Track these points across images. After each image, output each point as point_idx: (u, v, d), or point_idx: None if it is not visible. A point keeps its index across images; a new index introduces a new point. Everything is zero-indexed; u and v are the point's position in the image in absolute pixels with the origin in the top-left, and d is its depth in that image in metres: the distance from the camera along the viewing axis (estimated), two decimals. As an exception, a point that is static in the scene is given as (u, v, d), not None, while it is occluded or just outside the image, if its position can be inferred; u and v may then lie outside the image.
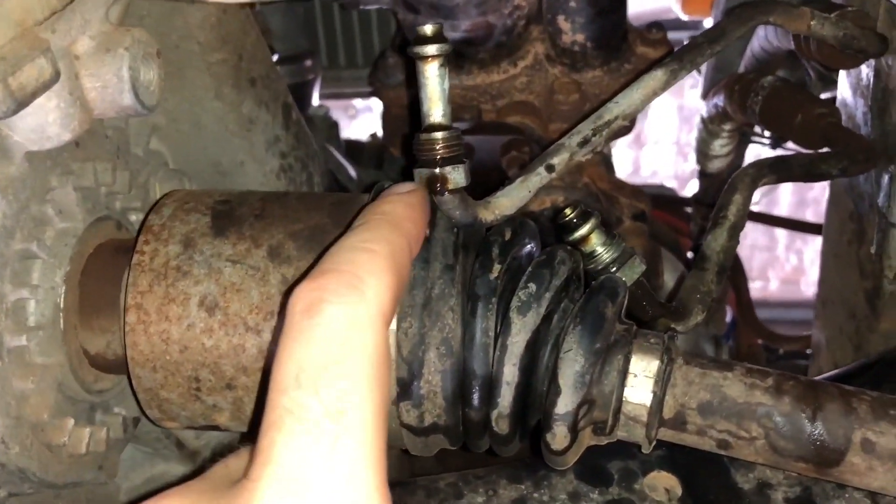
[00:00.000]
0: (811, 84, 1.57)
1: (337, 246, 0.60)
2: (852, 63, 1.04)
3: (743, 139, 1.67)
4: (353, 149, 1.82)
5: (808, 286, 4.67)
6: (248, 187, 1.06)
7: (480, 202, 0.77)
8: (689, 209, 2.00)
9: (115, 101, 0.75)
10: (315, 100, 1.92)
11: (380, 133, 1.78)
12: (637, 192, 1.46)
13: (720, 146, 1.59)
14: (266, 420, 0.52)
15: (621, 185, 1.45)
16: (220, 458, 0.67)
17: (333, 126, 1.72)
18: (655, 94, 0.84)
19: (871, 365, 1.00)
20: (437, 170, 0.72)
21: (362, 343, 0.53)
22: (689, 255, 1.99)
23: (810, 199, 4.82)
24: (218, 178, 1.04)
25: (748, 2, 0.88)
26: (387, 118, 1.51)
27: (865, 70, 1.09)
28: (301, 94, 1.86)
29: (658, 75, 0.84)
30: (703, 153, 1.63)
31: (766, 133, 1.76)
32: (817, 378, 0.99)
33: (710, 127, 1.54)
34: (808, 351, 1.89)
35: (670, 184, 4.30)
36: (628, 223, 1.43)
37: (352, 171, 1.54)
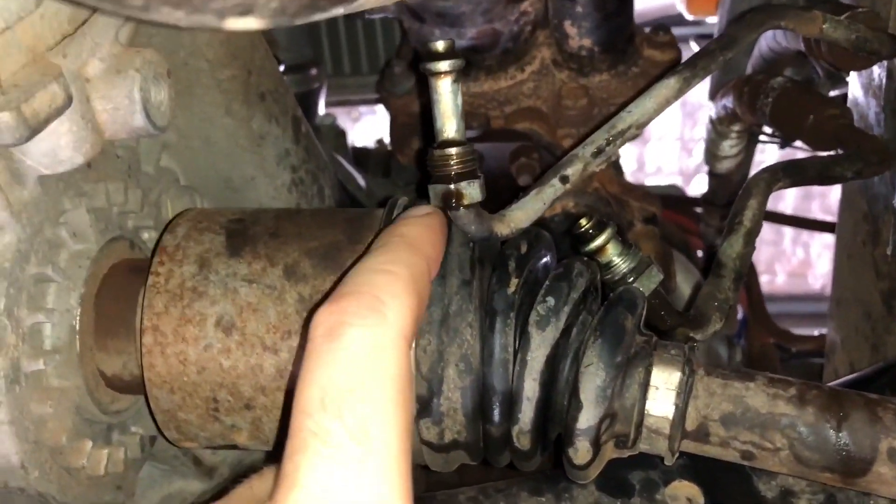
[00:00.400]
0: (820, 83, 1.56)
1: (356, 268, 0.59)
2: (864, 64, 1.04)
3: (751, 139, 1.66)
4: (360, 156, 1.82)
5: (816, 279, 4.65)
6: (260, 202, 1.05)
7: (495, 216, 0.76)
8: (697, 209, 2.00)
9: (127, 123, 0.75)
10: (321, 108, 1.91)
11: (386, 139, 1.78)
12: (647, 195, 1.45)
13: (729, 147, 1.58)
14: (290, 444, 0.52)
15: (631, 188, 1.45)
16: (242, 478, 0.67)
17: (341, 135, 1.71)
18: (668, 102, 0.83)
19: (889, 368, 0.99)
20: (452, 185, 0.71)
21: (385, 365, 0.53)
22: (699, 253, 1.99)
23: (816, 192, 4.80)
24: (229, 193, 1.04)
25: (759, 7, 0.87)
26: (394, 127, 1.50)
27: (877, 70, 1.08)
28: (307, 103, 1.86)
29: (671, 83, 0.83)
30: (712, 154, 1.62)
31: (775, 132, 1.75)
32: (836, 383, 0.98)
33: (718, 128, 1.53)
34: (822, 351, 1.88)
35: (675, 180, 4.29)
36: (639, 227, 1.43)
37: (361, 181, 1.54)
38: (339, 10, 0.44)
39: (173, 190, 0.95)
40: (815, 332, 2.44)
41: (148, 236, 0.92)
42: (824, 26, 0.90)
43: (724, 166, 1.65)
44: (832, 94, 1.57)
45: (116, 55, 0.74)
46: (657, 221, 1.43)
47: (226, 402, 0.75)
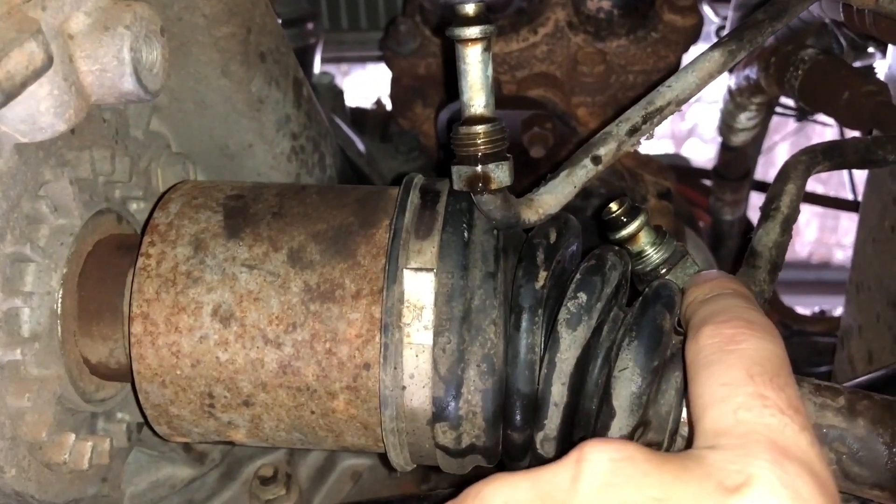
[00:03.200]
0: (844, 53, 1.49)
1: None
2: (911, 39, 0.97)
3: (769, 111, 1.59)
4: (358, 117, 1.73)
5: (803, 246, 4.62)
6: (257, 171, 0.98)
7: (523, 200, 0.69)
8: (706, 181, 1.93)
9: (115, 86, 0.67)
10: (317, 65, 1.82)
11: (383, 99, 1.69)
12: (662, 168, 1.38)
13: (747, 119, 1.51)
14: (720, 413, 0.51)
15: (646, 162, 1.38)
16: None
17: (339, 95, 1.62)
18: (712, 76, 0.76)
19: (921, 364, 0.94)
20: (479, 167, 0.64)
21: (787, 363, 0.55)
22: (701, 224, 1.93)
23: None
24: (225, 161, 0.96)
25: (813, -26, 0.80)
26: (396, 89, 1.42)
27: (921, 45, 1.01)
28: (303, 59, 1.76)
29: (715, 56, 0.76)
30: (728, 126, 1.55)
31: (791, 103, 1.68)
32: (863, 380, 0.93)
33: (738, 100, 1.46)
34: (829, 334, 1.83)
35: (666, 144, 4.20)
36: (653, 202, 1.36)
37: (360, 146, 1.45)
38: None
39: (164, 157, 0.88)
40: (816, 308, 2.40)
41: (136, 207, 0.84)
42: (880, -2, 0.82)
43: (740, 139, 1.58)
44: (856, 65, 1.50)
45: (104, 9, 0.66)
46: (671, 196, 1.36)
47: (222, 397, 0.69)
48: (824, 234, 4.45)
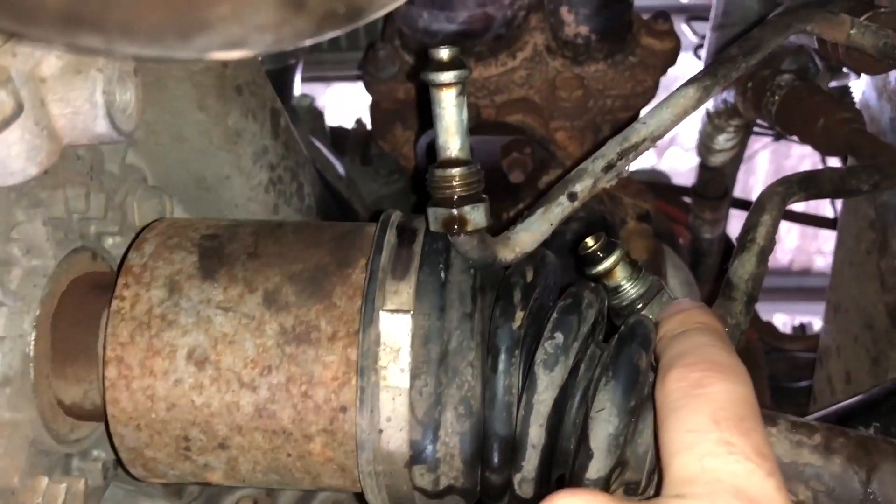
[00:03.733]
0: (820, 74, 1.50)
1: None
2: (883, 69, 0.97)
3: (746, 131, 1.60)
4: (338, 136, 1.73)
5: (784, 254, 4.65)
6: (235, 202, 0.97)
7: (499, 239, 0.69)
8: (686, 198, 1.94)
9: (88, 129, 0.66)
10: (297, 86, 1.82)
11: (364, 118, 1.69)
12: (640, 191, 1.39)
13: (725, 140, 1.52)
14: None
15: (625, 184, 1.38)
16: None
17: (319, 117, 1.62)
18: (687, 112, 0.77)
19: (896, 390, 0.95)
20: (455, 210, 0.64)
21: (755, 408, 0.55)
22: (682, 241, 1.94)
23: (788, 167, 4.79)
24: (201, 193, 0.95)
25: (785, 10, 0.80)
26: (376, 113, 1.42)
27: (894, 73, 1.03)
28: (283, 80, 1.76)
29: (689, 93, 0.76)
30: (706, 147, 1.56)
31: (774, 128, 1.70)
32: (839, 407, 0.93)
33: (716, 122, 1.47)
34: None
35: (647, 154, 4.23)
36: (632, 224, 1.36)
37: (340, 169, 1.45)
38: (338, 33, 0.36)
39: (140, 191, 0.87)
40: (796, 321, 2.42)
41: (112, 242, 0.84)
42: (852, 31, 0.83)
43: (718, 159, 1.59)
44: (832, 84, 1.52)
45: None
46: (650, 219, 1.37)
47: (198, 440, 0.68)
48: (805, 242, 4.49)
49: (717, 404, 0.53)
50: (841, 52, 0.96)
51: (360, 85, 1.43)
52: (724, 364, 0.57)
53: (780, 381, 1.91)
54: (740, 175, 1.87)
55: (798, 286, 4.00)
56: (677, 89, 0.77)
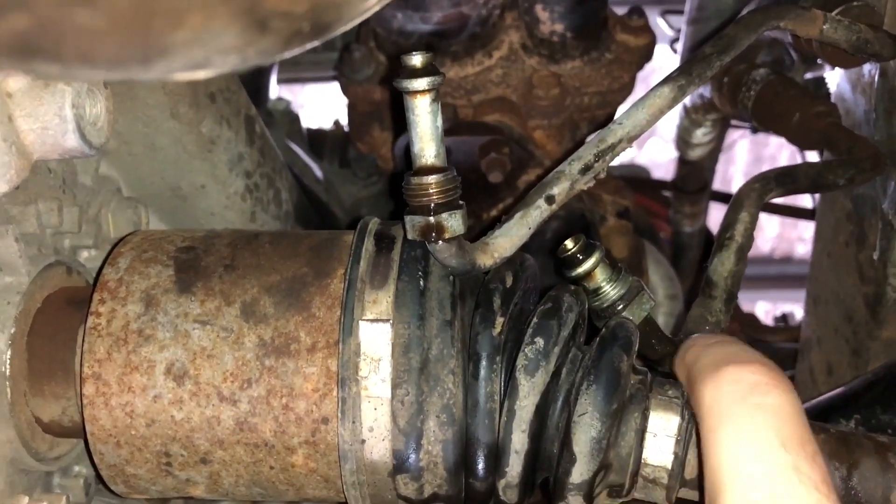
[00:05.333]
0: (795, 66, 1.51)
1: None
2: (857, 62, 0.98)
3: (724, 124, 1.61)
4: (316, 139, 1.72)
5: (765, 241, 4.68)
6: (211, 210, 0.96)
7: (477, 245, 0.69)
8: (665, 192, 1.94)
9: (58, 144, 0.65)
10: (273, 88, 1.80)
11: (342, 119, 1.68)
12: (620, 187, 1.39)
13: (702, 134, 1.52)
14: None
15: (604, 181, 1.38)
16: None
17: (295, 120, 1.61)
18: (662, 112, 0.76)
19: (877, 381, 0.95)
20: (432, 217, 0.64)
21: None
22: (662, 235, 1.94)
23: (766, 156, 4.81)
24: (177, 202, 0.95)
25: (758, 7, 0.81)
26: (353, 115, 1.41)
27: (868, 66, 1.03)
28: (257, 83, 1.75)
29: (664, 92, 0.76)
30: (684, 141, 1.56)
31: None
32: (822, 399, 0.94)
33: (693, 116, 1.47)
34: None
35: (627, 148, 4.24)
36: (612, 221, 1.36)
37: (318, 172, 1.44)
38: (305, 49, 0.36)
39: (115, 202, 0.86)
40: (778, 312, 2.43)
41: (88, 255, 0.83)
42: (824, 27, 0.84)
43: (696, 153, 1.59)
44: (807, 76, 1.53)
45: (43, 66, 0.64)
46: (630, 215, 1.37)
47: (179, 456, 0.67)
48: (786, 230, 4.52)
49: (780, 420, 0.50)
50: (815, 47, 0.96)
51: (336, 85, 1.43)
52: (776, 371, 0.54)
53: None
54: (720, 165, 1.87)
55: (780, 274, 4.02)
56: (652, 89, 0.77)
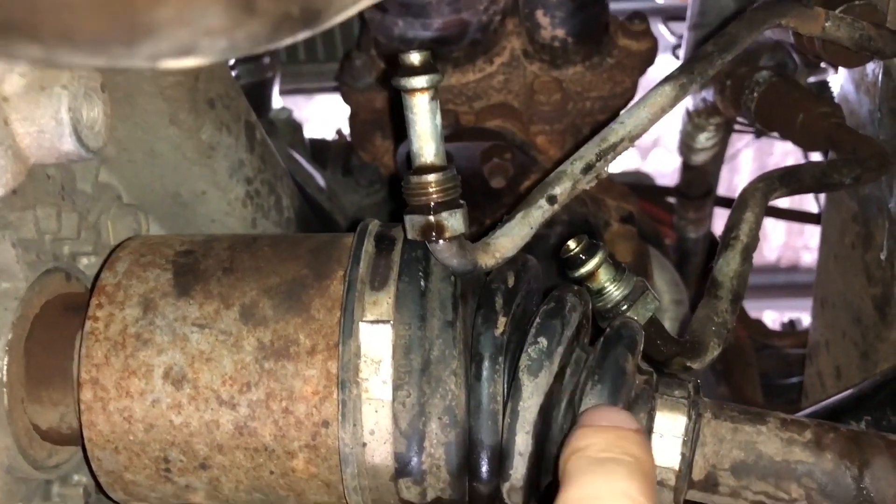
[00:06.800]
0: (798, 70, 1.50)
1: None
2: (859, 62, 0.97)
3: (727, 129, 1.60)
4: (319, 149, 1.72)
5: (771, 251, 4.66)
6: (212, 217, 0.96)
7: (479, 245, 0.68)
8: (670, 198, 1.94)
9: (55, 147, 0.65)
10: (276, 98, 1.80)
11: (344, 129, 1.68)
12: (624, 192, 1.38)
13: (706, 139, 1.52)
14: None
15: (608, 186, 1.38)
16: None
17: (298, 130, 1.61)
18: (664, 111, 0.76)
19: (886, 383, 0.94)
20: (432, 217, 0.63)
21: None
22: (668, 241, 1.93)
23: (771, 164, 4.80)
24: (178, 209, 0.94)
25: (760, 5, 0.80)
26: (355, 123, 1.41)
27: (871, 66, 1.02)
28: (260, 94, 1.75)
29: (666, 90, 0.75)
30: (687, 146, 1.56)
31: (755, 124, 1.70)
32: (831, 401, 0.93)
33: (696, 121, 1.47)
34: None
35: (631, 156, 4.23)
36: (616, 226, 1.35)
37: (320, 181, 1.44)
38: (296, 38, 0.35)
39: (115, 209, 0.85)
40: (786, 318, 2.42)
41: (87, 262, 0.82)
42: (826, 24, 0.83)
43: (700, 158, 1.58)
44: (810, 80, 1.52)
45: (40, 69, 0.64)
46: (634, 220, 1.36)
47: (178, 461, 0.67)
48: (791, 238, 4.50)
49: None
50: (817, 45, 0.96)
51: (339, 98, 1.42)
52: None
53: (771, 379, 1.90)
54: (725, 174, 1.87)
55: (786, 282, 4.00)
56: (654, 87, 0.76)
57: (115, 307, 0.67)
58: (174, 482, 0.68)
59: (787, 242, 4.54)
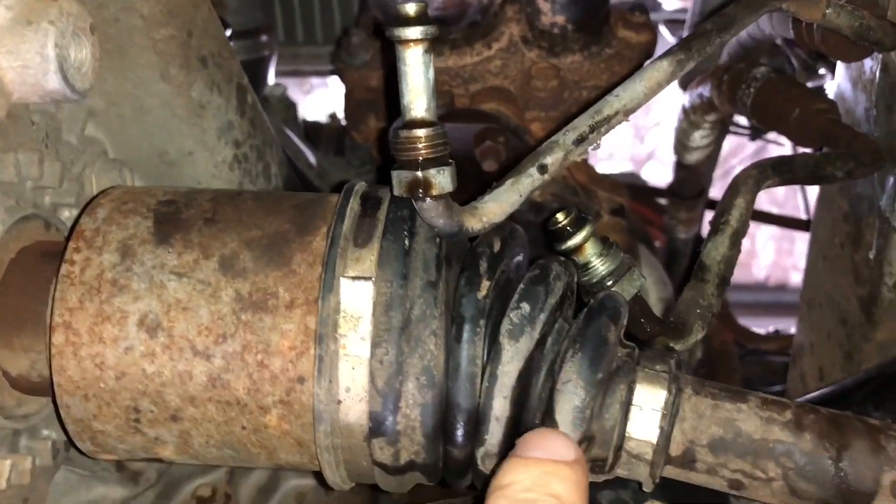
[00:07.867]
0: (796, 74, 1.50)
1: None
2: (858, 55, 0.97)
3: (722, 129, 1.60)
4: (312, 131, 1.71)
5: (760, 269, 4.68)
6: (198, 178, 0.95)
7: (466, 208, 0.67)
8: (658, 199, 1.93)
9: (39, 84, 0.64)
10: (271, 78, 1.79)
11: (340, 114, 1.67)
12: (616, 185, 1.37)
13: (700, 137, 1.51)
14: None
15: (599, 178, 1.37)
16: None
17: (291, 107, 1.60)
18: (660, 86, 0.75)
19: (869, 380, 0.93)
20: (420, 173, 0.62)
21: None
22: (657, 244, 1.92)
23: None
24: (164, 168, 0.93)
25: (761, -13, 0.79)
26: (349, 102, 1.40)
27: (869, 63, 1.02)
28: (256, 72, 1.74)
29: (663, 66, 0.75)
30: (682, 144, 1.55)
31: (746, 123, 1.70)
32: (814, 395, 0.92)
33: (692, 118, 1.46)
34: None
35: (626, 166, 4.24)
36: (606, 218, 1.35)
37: (311, 157, 1.43)
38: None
39: (99, 163, 0.84)
40: (771, 328, 2.42)
41: (68, 214, 0.81)
42: (827, 11, 0.83)
43: (694, 157, 1.58)
44: (808, 85, 1.52)
45: (27, 3, 0.63)
46: (625, 213, 1.36)
47: (149, 412, 0.65)
48: (781, 257, 4.51)
49: None
50: (816, 35, 0.95)
51: (337, 86, 1.41)
52: None
53: (755, 385, 1.90)
54: (719, 179, 1.87)
55: (775, 301, 4.01)
56: (651, 62, 0.76)
57: (92, 252, 0.66)
58: (144, 433, 0.67)
59: (777, 262, 4.55)
